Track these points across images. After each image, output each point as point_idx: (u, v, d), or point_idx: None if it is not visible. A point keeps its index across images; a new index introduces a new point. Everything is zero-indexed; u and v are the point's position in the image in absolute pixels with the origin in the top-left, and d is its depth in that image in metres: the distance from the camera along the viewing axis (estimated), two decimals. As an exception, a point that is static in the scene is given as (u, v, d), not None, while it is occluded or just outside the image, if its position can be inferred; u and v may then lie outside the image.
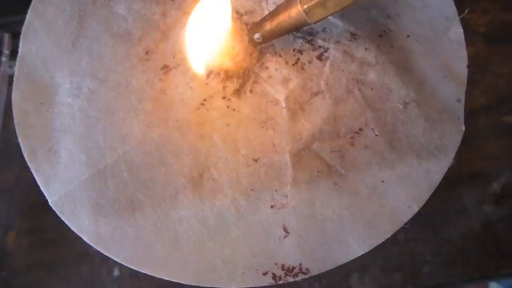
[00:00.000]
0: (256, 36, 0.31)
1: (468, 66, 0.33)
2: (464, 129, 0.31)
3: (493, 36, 0.65)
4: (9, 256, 0.62)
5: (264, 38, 0.31)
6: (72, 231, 0.64)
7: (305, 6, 0.28)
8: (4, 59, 0.51)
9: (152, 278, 0.62)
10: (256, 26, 0.31)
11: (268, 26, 0.30)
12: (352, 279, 0.58)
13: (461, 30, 0.33)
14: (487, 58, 0.65)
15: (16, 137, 0.34)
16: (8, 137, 0.62)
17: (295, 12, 0.29)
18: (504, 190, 0.60)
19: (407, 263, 0.59)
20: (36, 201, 0.63)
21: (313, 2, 0.28)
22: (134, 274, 0.59)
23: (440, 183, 0.62)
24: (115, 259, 0.29)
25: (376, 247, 0.60)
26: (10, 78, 0.53)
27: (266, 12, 0.34)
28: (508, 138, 0.61)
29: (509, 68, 0.64)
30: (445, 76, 0.32)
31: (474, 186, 0.59)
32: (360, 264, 0.59)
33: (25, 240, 0.63)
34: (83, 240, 0.65)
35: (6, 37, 0.52)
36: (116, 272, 0.59)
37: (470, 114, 0.63)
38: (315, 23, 0.30)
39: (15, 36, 0.51)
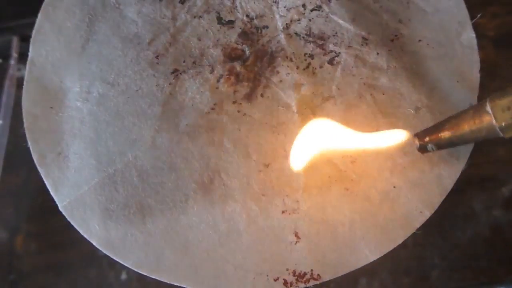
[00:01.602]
0: (430, 146, 0.28)
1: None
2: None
3: (502, 40, 0.65)
4: (17, 259, 0.62)
5: (439, 147, 0.28)
6: (80, 235, 0.64)
7: (503, 124, 0.25)
8: (12, 62, 0.51)
9: (160, 282, 0.61)
10: (428, 133, 0.28)
11: (447, 135, 0.27)
12: (360, 283, 0.58)
13: (474, 35, 0.33)
14: (496, 62, 0.64)
15: (24, 141, 0.34)
16: (16, 140, 0.62)
17: (486, 126, 0.26)
18: (513, 195, 0.59)
19: (415, 268, 0.58)
20: (44, 204, 0.63)
21: None
22: (142, 278, 0.59)
23: (449, 188, 0.61)
24: (125, 264, 0.29)
25: (384, 251, 0.59)
26: (18, 81, 0.53)
27: (277, 17, 0.34)
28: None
29: (518, 72, 0.64)
30: (457, 81, 0.32)
31: (483, 190, 0.59)
32: (368, 269, 0.59)
33: (33, 243, 0.63)
34: (90, 244, 0.65)
35: (15, 40, 0.52)
36: (123, 276, 0.59)
37: (479, 118, 0.62)
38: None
39: (24, 39, 0.51)
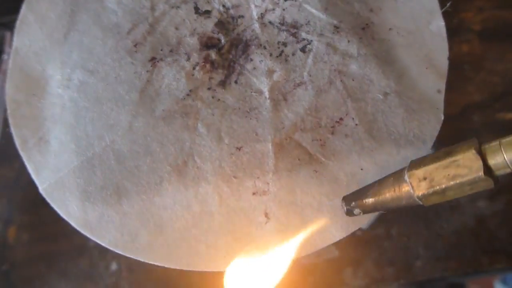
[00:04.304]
0: (356, 211, 0.28)
1: (449, 58, 0.34)
2: (443, 118, 0.32)
3: (488, 33, 0.66)
4: (9, 250, 0.63)
5: (364, 212, 0.28)
6: (71, 226, 0.65)
7: (420, 194, 0.25)
8: (6, 57, 0.52)
9: (148, 272, 0.63)
10: (354, 198, 0.28)
11: (370, 201, 0.28)
12: (345, 273, 0.59)
13: (443, 23, 0.34)
14: (481, 55, 0.65)
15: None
16: (9, 134, 0.63)
17: (405, 195, 0.26)
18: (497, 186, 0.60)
19: (400, 258, 0.59)
20: (36, 196, 0.64)
21: (429, 191, 0.25)
22: (132, 268, 0.60)
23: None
24: (101, 244, 0.30)
25: (369, 241, 0.61)
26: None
27: (252, 6, 0.35)
28: (503, 134, 0.62)
29: (503, 65, 0.65)
30: (426, 68, 0.33)
31: (467, 181, 0.60)
32: (353, 259, 0.60)
33: (25, 235, 0.64)
34: (81, 235, 0.66)
35: (8, 36, 0.53)
36: (114, 266, 0.60)
37: (465, 111, 0.64)
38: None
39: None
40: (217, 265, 0.29)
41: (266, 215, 0.30)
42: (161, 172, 0.31)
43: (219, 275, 0.61)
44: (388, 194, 0.27)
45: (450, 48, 0.66)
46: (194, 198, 0.30)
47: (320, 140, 0.31)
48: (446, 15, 0.68)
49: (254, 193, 0.30)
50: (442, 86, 0.33)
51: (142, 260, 0.30)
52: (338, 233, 0.30)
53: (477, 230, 0.58)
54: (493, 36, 0.66)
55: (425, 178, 0.25)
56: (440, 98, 0.32)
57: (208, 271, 0.29)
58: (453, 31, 0.66)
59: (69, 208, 0.31)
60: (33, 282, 0.61)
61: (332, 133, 0.31)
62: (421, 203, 0.26)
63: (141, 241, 0.30)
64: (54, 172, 0.32)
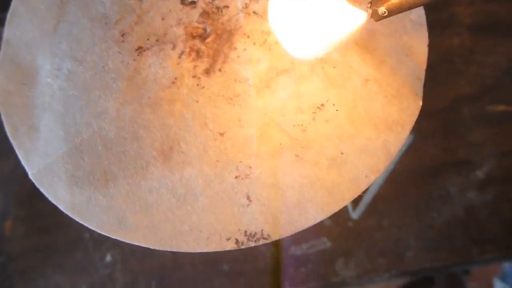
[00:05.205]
0: (382, 10, 0.28)
1: (429, 45, 0.34)
2: (421, 103, 0.33)
3: (478, 27, 0.67)
4: (6, 242, 0.64)
5: (390, 12, 0.28)
6: (66, 218, 0.66)
7: None
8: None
9: (142, 262, 0.63)
10: None
11: None
12: (337, 264, 0.60)
13: (423, 11, 0.35)
14: (471, 48, 0.66)
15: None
16: (3, 128, 0.64)
17: None
18: (487, 177, 0.61)
19: (391, 248, 0.60)
20: (33, 189, 0.65)
21: None
22: (126, 260, 0.61)
23: (425, 170, 0.63)
24: (89, 227, 0.31)
25: (360, 232, 0.61)
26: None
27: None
28: (492, 126, 0.62)
29: (493, 58, 0.66)
30: (406, 55, 0.34)
31: (458, 173, 0.60)
32: (345, 249, 0.61)
33: (22, 227, 0.65)
34: (77, 227, 0.67)
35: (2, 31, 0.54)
36: (108, 258, 0.61)
37: (455, 103, 0.64)
38: None
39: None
40: (200, 246, 0.30)
41: (248, 197, 0.31)
42: (147, 157, 0.32)
43: (209, 269, 0.62)
44: None
45: (441, 42, 0.66)
46: (179, 181, 0.31)
47: (302, 125, 0.32)
48: (437, 9, 0.69)
49: (236, 177, 0.31)
50: (422, 73, 0.33)
51: (127, 241, 0.30)
52: (318, 215, 0.30)
53: (467, 221, 0.59)
54: (483, 30, 0.66)
55: None
56: (420, 84, 0.33)
57: (191, 252, 0.30)
58: (444, 25, 0.67)
59: (58, 192, 0.32)
60: (29, 274, 0.62)
61: (314, 119, 0.32)
62: None
63: (127, 223, 0.31)
64: (43, 158, 0.32)
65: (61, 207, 0.32)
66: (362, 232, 0.60)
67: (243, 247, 0.30)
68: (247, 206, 0.31)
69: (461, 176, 0.61)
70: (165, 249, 0.30)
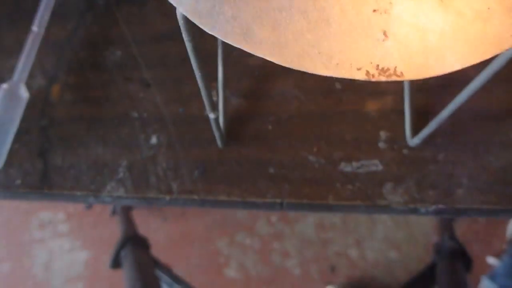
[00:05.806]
0: None
1: None
2: None
3: None
4: (50, 107, 0.62)
5: None
6: (118, 93, 0.64)
7: None
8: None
9: (188, 151, 0.62)
10: None
11: None
12: (386, 187, 0.58)
13: None
14: None
15: None
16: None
17: None
18: None
19: (442, 183, 0.58)
20: (86, 59, 0.63)
21: None
22: (171, 144, 0.59)
23: (490, 114, 0.61)
24: (210, 32, 0.29)
25: (414, 161, 0.60)
26: None
27: None
28: None
29: None
30: None
31: (522, 121, 0.59)
32: (395, 175, 0.59)
33: (69, 94, 0.63)
34: (126, 104, 0.65)
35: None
36: (154, 140, 0.60)
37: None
38: None
39: None
40: (328, 70, 0.28)
41: (385, 33, 0.29)
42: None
43: (255, 169, 0.60)
44: None
45: None
46: (313, 5, 0.29)
47: (450, -27, 0.30)
48: None
49: (374, 10, 0.29)
50: None
51: (254, 53, 0.28)
52: (457, 64, 0.29)
53: (524, 170, 0.58)
54: None
55: None
56: None
57: (319, 74, 0.28)
58: None
59: (181, -5, 0.29)
60: (70, 141, 0.60)
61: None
62: None
63: (252, 36, 0.29)
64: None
65: (181, 9, 0.29)
66: (416, 162, 0.58)
67: (373, 79, 0.28)
68: (383, 41, 0.29)
69: (526, 124, 0.59)
70: (292, 67, 0.28)
